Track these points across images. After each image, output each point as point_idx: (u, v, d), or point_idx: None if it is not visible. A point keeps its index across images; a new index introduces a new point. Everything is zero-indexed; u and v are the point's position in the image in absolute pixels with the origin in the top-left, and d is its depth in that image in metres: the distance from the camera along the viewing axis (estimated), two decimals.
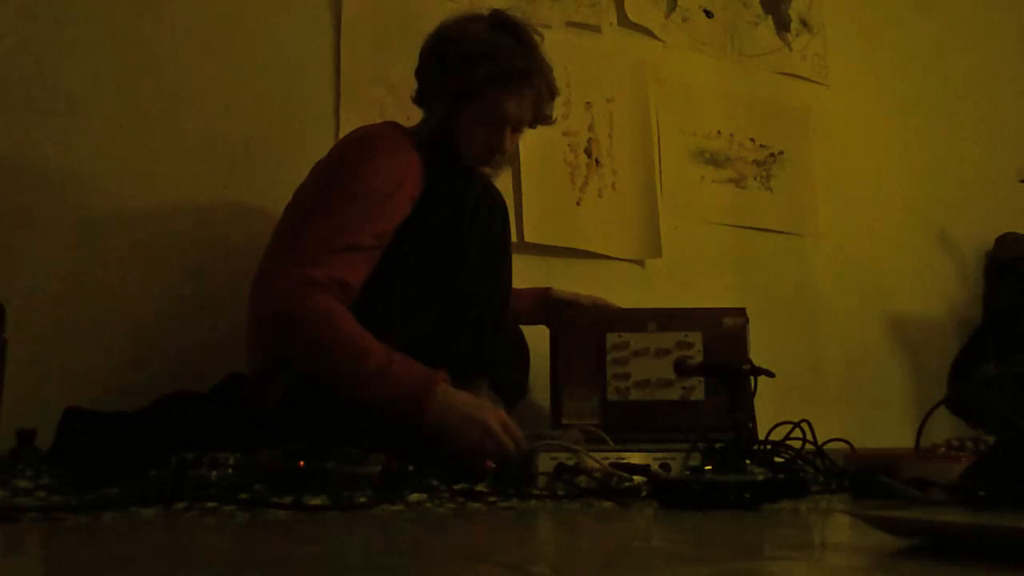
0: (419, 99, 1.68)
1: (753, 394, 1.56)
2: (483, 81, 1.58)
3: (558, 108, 1.77)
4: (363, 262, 1.45)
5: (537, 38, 1.65)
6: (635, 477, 1.23)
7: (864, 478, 1.19)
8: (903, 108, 2.93)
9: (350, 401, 1.39)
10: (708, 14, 2.61)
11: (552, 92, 1.69)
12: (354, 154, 1.56)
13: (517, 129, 1.67)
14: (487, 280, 1.55)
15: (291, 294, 1.39)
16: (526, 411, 1.92)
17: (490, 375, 1.59)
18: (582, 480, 1.23)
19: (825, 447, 1.46)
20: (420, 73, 1.67)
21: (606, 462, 1.25)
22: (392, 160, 1.52)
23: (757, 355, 1.74)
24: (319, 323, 1.38)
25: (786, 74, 2.72)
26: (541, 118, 1.70)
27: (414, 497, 1.12)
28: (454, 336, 1.52)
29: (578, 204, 2.29)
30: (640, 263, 2.37)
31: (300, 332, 1.39)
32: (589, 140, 2.35)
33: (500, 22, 1.64)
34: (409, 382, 1.37)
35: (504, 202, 1.61)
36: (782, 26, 2.74)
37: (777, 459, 1.39)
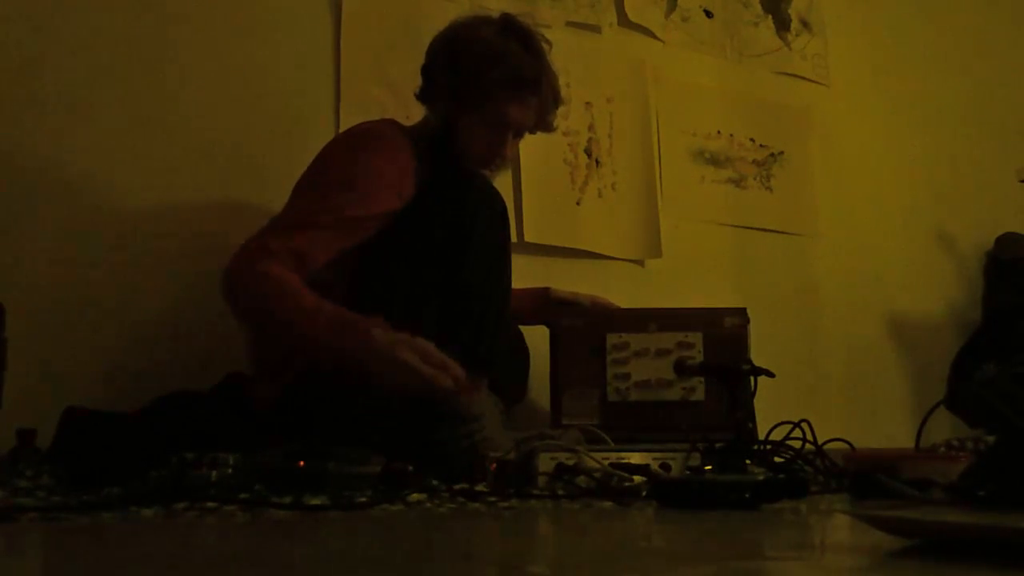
0: (423, 96, 1.68)
1: (753, 394, 1.56)
2: (491, 85, 1.58)
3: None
4: (327, 240, 1.46)
5: (545, 46, 1.66)
6: (635, 477, 1.23)
7: (864, 478, 1.19)
8: (903, 108, 2.93)
9: (301, 352, 1.44)
10: (708, 14, 2.61)
11: (557, 100, 1.70)
12: (342, 145, 1.58)
13: (518, 135, 1.68)
14: (486, 280, 1.55)
15: (241, 258, 1.42)
16: (526, 411, 1.92)
17: (490, 375, 1.59)
18: (582, 480, 1.23)
19: (825, 447, 1.46)
20: (426, 71, 1.66)
21: (606, 462, 1.25)
22: (379, 153, 1.52)
23: (757, 355, 1.74)
24: (260, 283, 1.40)
25: (786, 74, 2.72)
26: (543, 125, 1.70)
27: (414, 497, 1.12)
28: (454, 336, 1.52)
29: (578, 204, 2.29)
30: (640, 263, 2.37)
31: (243, 291, 1.42)
32: (589, 140, 2.35)
33: (510, 27, 1.64)
34: (339, 327, 1.38)
35: (504, 203, 1.61)
36: (782, 26, 2.74)
37: (777, 459, 1.39)
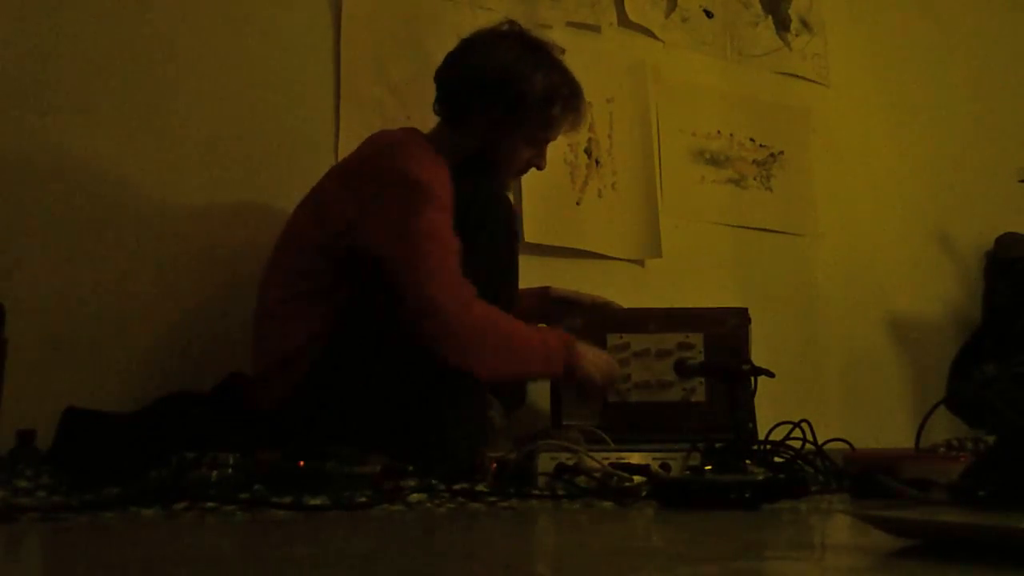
0: (454, 121, 1.67)
1: (753, 394, 1.56)
2: (548, 120, 1.66)
3: None
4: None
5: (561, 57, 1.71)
6: (635, 477, 1.23)
7: (864, 478, 1.19)
8: (903, 108, 2.93)
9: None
10: (708, 14, 2.61)
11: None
12: (402, 162, 1.52)
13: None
14: (495, 286, 1.55)
15: (446, 303, 1.43)
16: (526, 411, 1.92)
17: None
18: (582, 480, 1.23)
19: (825, 447, 1.46)
20: (459, 99, 1.66)
21: (606, 462, 1.25)
22: (436, 169, 1.53)
23: (757, 355, 1.74)
24: (489, 329, 1.48)
25: (786, 74, 2.72)
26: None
27: (414, 497, 1.12)
28: None
29: (578, 204, 2.29)
30: (640, 263, 2.37)
31: (480, 342, 1.47)
32: (589, 140, 2.34)
33: (529, 45, 1.67)
34: (557, 348, 1.55)
35: (513, 209, 1.66)
36: (782, 26, 2.74)
37: (777, 459, 1.39)
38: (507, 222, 1.63)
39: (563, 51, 1.72)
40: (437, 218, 1.47)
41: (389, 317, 1.49)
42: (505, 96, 1.62)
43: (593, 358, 1.61)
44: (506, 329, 1.50)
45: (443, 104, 1.68)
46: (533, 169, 1.75)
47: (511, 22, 1.72)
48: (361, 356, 1.49)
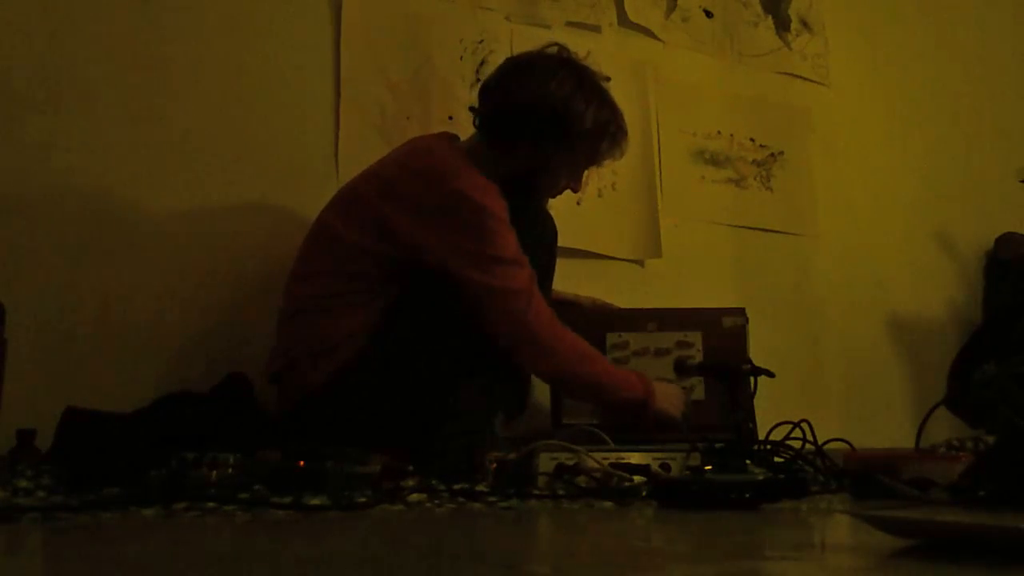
0: (498, 139, 1.65)
1: (753, 394, 1.56)
2: (597, 154, 1.69)
3: None
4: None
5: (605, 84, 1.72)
6: (635, 477, 1.23)
7: (864, 478, 1.19)
8: (903, 108, 2.93)
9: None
10: (708, 14, 2.61)
11: None
12: (464, 187, 1.53)
13: None
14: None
15: (531, 323, 1.50)
16: (526, 411, 1.92)
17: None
18: (582, 480, 1.23)
19: (825, 447, 1.46)
20: (510, 122, 1.64)
21: (606, 462, 1.25)
22: (493, 191, 1.54)
23: (757, 355, 1.74)
24: (567, 350, 1.56)
25: (786, 74, 2.71)
26: None
27: (414, 497, 1.12)
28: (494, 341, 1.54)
29: (578, 204, 2.29)
30: (640, 263, 2.37)
31: (552, 355, 1.55)
32: None
33: (581, 77, 1.65)
34: (636, 379, 1.61)
35: (555, 227, 1.69)
36: (782, 26, 2.73)
37: (777, 459, 1.39)
38: (552, 240, 1.69)
39: (608, 79, 1.71)
40: (512, 240, 1.52)
41: (427, 318, 1.52)
42: (556, 130, 1.62)
43: (664, 391, 1.65)
44: (593, 354, 1.59)
45: (488, 123, 1.67)
46: None
47: (560, 46, 1.70)
48: (395, 357, 1.52)
